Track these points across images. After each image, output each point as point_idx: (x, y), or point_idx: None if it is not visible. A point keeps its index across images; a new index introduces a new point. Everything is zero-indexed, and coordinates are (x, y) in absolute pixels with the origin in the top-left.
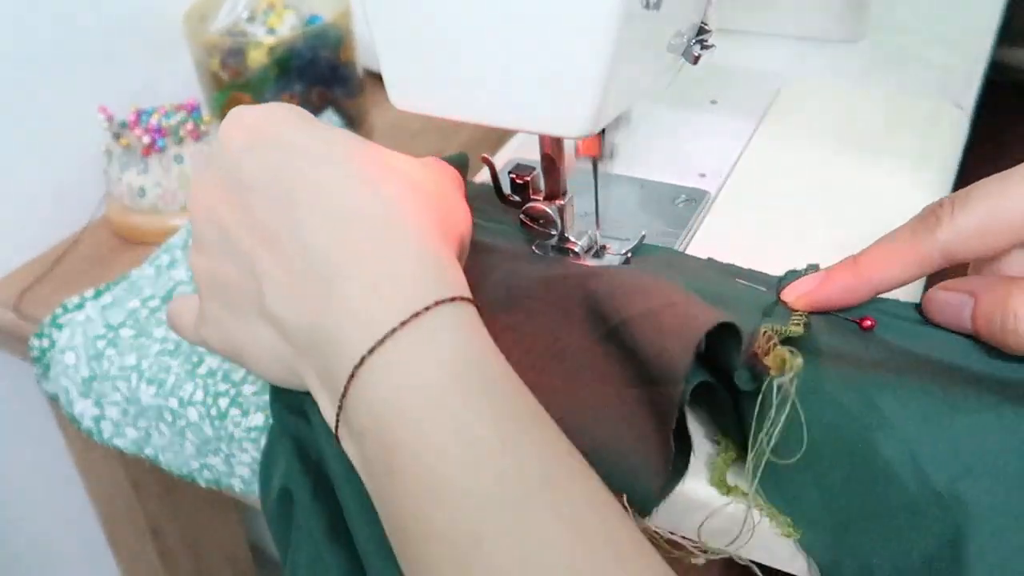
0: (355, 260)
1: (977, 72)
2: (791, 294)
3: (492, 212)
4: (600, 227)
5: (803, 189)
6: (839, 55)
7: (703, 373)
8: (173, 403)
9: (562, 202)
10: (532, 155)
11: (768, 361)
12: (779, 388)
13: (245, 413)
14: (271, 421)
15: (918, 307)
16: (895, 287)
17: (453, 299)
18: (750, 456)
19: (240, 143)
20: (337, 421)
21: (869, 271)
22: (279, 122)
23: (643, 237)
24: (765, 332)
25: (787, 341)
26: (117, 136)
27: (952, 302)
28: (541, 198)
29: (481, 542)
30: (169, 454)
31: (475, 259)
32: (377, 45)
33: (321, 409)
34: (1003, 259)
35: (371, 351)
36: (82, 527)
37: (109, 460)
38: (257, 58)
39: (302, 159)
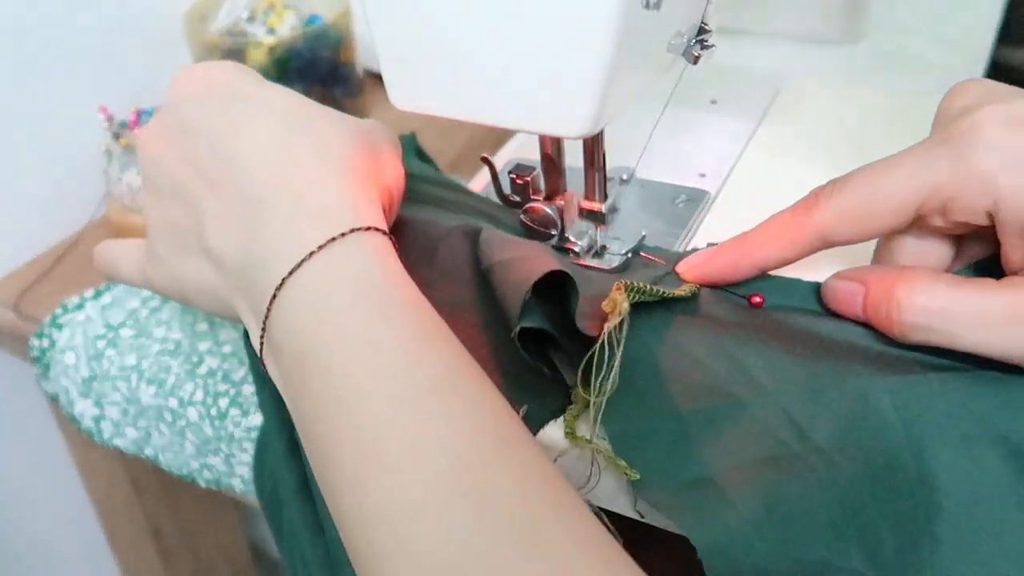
0: (281, 196)
1: (977, 72)
2: (684, 266)
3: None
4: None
5: (803, 189)
6: (839, 55)
7: (540, 319)
8: (173, 403)
9: (562, 202)
10: (532, 155)
11: (604, 306)
12: (607, 332)
13: (245, 413)
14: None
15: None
16: (776, 267)
17: (368, 229)
18: (592, 403)
19: (188, 94)
20: (261, 344)
21: (751, 249)
22: (225, 77)
23: (643, 237)
24: (617, 284)
25: (667, 301)
26: (117, 136)
27: (846, 291)
28: (541, 198)
29: (379, 436)
30: (169, 454)
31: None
32: (377, 45)
33: (251, 337)
34: (896, 246)
35: (290, 273)
36: (82, 527)
37: (109, 460)
38: (257, 58)
39: (242, 106)
